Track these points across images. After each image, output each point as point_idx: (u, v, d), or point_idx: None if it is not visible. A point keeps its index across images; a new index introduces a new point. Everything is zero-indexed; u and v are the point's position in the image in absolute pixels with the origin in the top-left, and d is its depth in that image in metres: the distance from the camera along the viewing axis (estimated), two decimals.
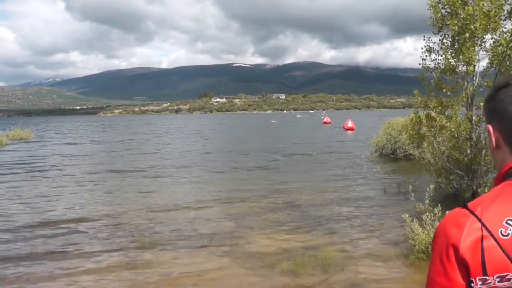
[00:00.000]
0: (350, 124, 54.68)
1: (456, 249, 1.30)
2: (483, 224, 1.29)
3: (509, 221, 1.29)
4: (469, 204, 1.37)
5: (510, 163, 1.45)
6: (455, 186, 11.98)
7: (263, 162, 22.54)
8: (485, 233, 1.27)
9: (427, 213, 8.02)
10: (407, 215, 7.99)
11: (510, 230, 1.28)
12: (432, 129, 11.54)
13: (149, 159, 25.56)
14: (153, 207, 12.68)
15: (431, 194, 8.71)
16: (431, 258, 1.39)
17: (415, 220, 7.97)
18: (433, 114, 11.42)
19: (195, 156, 26.66)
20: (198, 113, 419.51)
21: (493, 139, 1.48)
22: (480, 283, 1.27)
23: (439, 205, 7.96)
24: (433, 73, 11.40)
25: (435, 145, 11.80)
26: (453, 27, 10.49)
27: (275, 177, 17.57)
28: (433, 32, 11.28)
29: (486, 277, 1.26)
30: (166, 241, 9.44)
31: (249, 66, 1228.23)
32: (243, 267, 7.82)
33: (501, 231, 1.27)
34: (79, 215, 11.88)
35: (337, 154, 26.05)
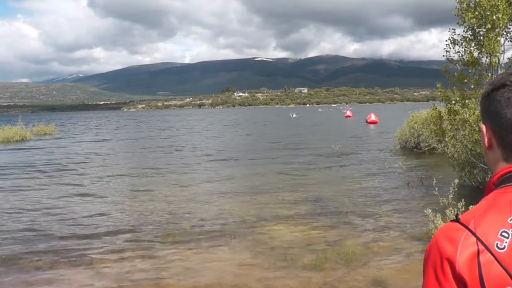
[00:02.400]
0: (373, 117, 54.07)
1: (452, 264, 1.25)
2: (478, 238, 1.25)
3: (504, 233, 1.24)
4: (461, 217, 1.33)
5: (500, 170, 1.41)
6: (479, 180, 11.79)
7: (285, 157, 22.47)
8: (481, 247, 1.23)
9: (451, 208, 7.90)
10: (430, 210, 7.89)
11: (506, 242, 1.23)
12: (454, 123, 11.36)
13: (171, 155, 25.76)
14: (175, 201, 12.75)
15: (455, 189, 8.58)
16: (424, 276, 1.33)
17: (438, 215, 7.86)
18: (456, 107, 11.23)
19: (217, 153, 26.68)
20: (221, 107, 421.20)
21: (486, 139, 1.45)
22: None
23: (463, 199, 7.83)
24: (457, 65, 11.22)
25: (458, 139, 11.62)
26: (471, 20, 10.30)
27: (297, 172, 17.53)
28: (457, 24, 11.09)
29: None
30: (188, 235, 9.49)
31: (271, 60, 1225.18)
32: (265, 261, 7.82)
33: (497, 244, 1.23)
34: (102, 209, 12.02)
35: (359, 148, 25.88)
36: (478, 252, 1.23)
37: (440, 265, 1.28)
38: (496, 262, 1.22)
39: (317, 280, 6.85)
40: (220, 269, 7.55)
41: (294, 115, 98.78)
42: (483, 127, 1.46)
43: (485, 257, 1.22)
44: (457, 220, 1.33)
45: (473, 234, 1.26)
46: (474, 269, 1.22)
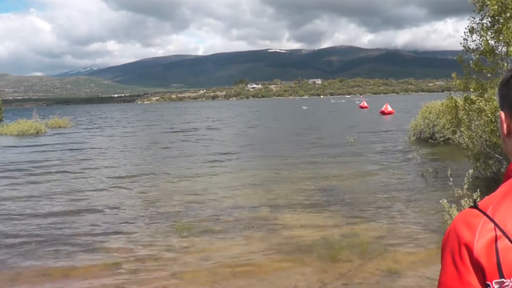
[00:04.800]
0: (388, 108, 53.52)
1: (469, 250, 1.25)
2: (496, 224, 1.24)
3: None
4: (480, 204, 1.32)
5: None
6: (494, 170, 11.68)
7: (298, 149, 22.43)
8: (499, 233, 1.23)
9: (466, 199, 7.84)
10: (445, 201, 7.83)
11: None
12: (470, 113, 11.25)
13: (185, 148, 25.83)
14: (190, 193, 12.79)
15: (470, 179, 8.51)
16: (442, 262, 1.33)
17: (453, 205, 7.81)
18: (473, 96, 11.12)
19: (230, 145, 26.74)
20: (234, 99, 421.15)
21: (505, 126, 1.43)
22: (497, 286, 1.22)
23: (478, 190, 7.76)
24: (472, 54, 11.10)
25: (473, 129, 11.51)
26: (493, 7, 10.16)
27: (311, 163, 17.51)
28: (473, 11, 10.97)
29: (503, 279, 1.21)
30: (203, 226, 9.51)
31: (284, 51, 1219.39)
32: (280, 252, 7.83)
33: None
34: (116, 201, 12.09)
35: (374, 139, 25.80)
36: (496, 238, 1.23)
37: (458, 251, 1.28)
38: None
39: (332, 271, 6.85)
40: (235, 259, 7.57)
41: (304, 107, 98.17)
42: (502, 114, 1.44)
43: (503, 243, 1.22)
44: (475, 206, 1.33)
45: (491, 220, 1.26)
46: (491, 255, 1.22)
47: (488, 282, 1.23)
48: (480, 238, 1.24)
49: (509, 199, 1.29)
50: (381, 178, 14.02)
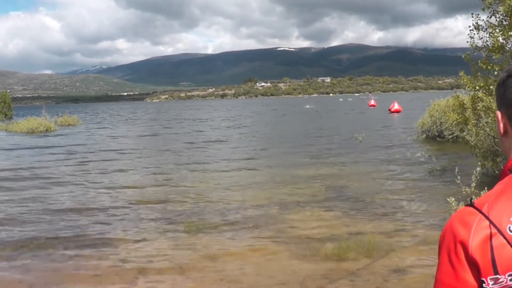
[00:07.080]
0: (396, 106, 53.38)
1: (465, 247, 1.27)
2: (491, 222, 1.26)
3: None
4: (476, 202, 1.34)
5: None
6: (502, 168, 11.59)
7: (307, 148, 22.47)
8: (494, 230, 1.25)
9: (473, 197, 7.78)
10: (453, 199, 7.80)
11: None
12: (476, 111, 11.18)
13: (193, 146, 25.94)
14: (199, 191, 12.85)
15: (478, 177, 8.47)
16: (439, 260, 1.36)
17: (460, 203, 7.77)
18: (480, 94, 11.06)
19: (237, 145, 26.75)
20: (243, 97, 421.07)
21: (501, 125, 1.46)
22: (492, 282, 1.24)
23: (486, 188, 7.70)
24: (481, 52, 11.02)
25: (480, 127, 11.44)
26: (509, 1, 10.08)
27: (319, 162, 17.55)
28: (481, 9, 10.88)
29: (498, 276, 1.24)
30: (211, 224, 9.55)
31: (294, 49, 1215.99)
32: (288, 251, 7.85)
33: (509, 227, 1.25)
34: (125, 200, 12.14)
35: (382, 137, 25.79)
36: (491, 236, 1.25)
37: (453, 248, 1.30)
38: (508, 245, 1.24)
39: (339, 269, 6.88)
40: (243, 258, 7.61)
41: (307, 106, 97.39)
42: (499, 114, 1.47)
43: (498, 240, 1.24)
44: (471, 204, 1.35)
45: (486, 217, 1.28)
46: (486, 252, 1.24)
47: (483, 279, 1.25)
48: (475, 235, 1.26)
49: (505, 197, 1.32)
50: (389, 176, 14.01)
